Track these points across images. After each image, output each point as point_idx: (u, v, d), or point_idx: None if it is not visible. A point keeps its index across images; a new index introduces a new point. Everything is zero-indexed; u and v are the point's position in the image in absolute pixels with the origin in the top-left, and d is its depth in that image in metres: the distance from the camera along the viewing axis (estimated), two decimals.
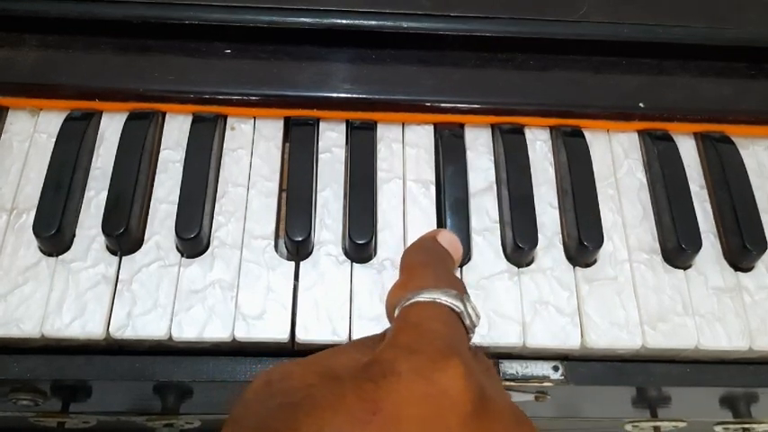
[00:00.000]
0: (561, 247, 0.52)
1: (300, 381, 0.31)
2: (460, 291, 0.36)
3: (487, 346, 0.48)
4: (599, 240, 0.51)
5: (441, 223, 0.52)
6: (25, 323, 0.46)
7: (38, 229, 0.48)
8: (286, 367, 0.32)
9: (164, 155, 0.53)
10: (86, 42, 0.55)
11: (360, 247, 0.49)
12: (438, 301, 0.35)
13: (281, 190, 0.53)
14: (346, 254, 0.50)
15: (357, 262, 0.50)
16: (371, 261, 0.50)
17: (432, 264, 0.40)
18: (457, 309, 0.35)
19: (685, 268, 0.52)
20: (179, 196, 0.50)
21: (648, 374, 0.50)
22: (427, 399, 0.29)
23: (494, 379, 0.39)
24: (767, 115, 0.57)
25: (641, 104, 0.56)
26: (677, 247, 0.51)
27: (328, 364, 0.32)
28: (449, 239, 0.43)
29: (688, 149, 0.57)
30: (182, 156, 0.53)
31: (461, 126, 0.56)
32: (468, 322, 0.35)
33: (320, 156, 0.54)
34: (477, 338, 0.47)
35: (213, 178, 0.52)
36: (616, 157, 0.56)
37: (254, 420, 0.30)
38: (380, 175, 0.53)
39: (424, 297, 0.35)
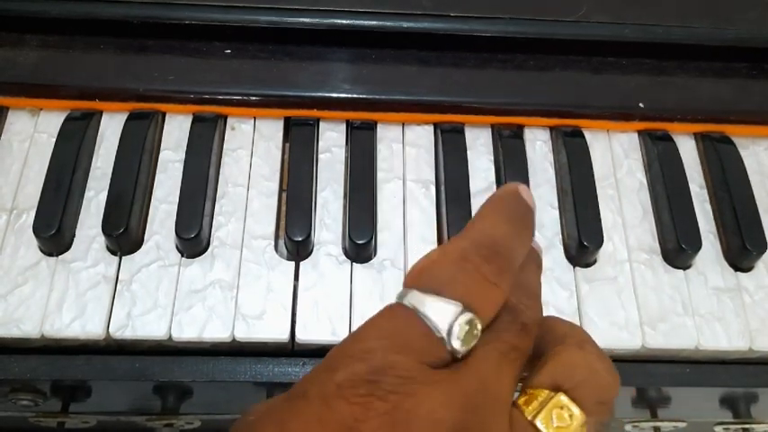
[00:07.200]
0: (561, 247, 0.52)
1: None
2: (477, 305, 0.30)
3: None
4: (599, 240, 0.51)
5: (440, 223, 0.52)
6: (25, 323, 0.46)
7: (38, 228, 0.48)
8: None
9: (164, 155, 0.53)
10: (86, 42, 0.55)
11: (360, 248, 0.49)
12: (419, 313, 0.29)
13: (281, 190, 0.53)
14: (346, 254, 0.50)
15: (357, 262, 0.50)
16: (371, 261, 0.50)
17: (492, 245, 0.32)
18: (437, 333, 0.29)
19: (685, 268, 0.52)
20: (179, 196, 0.50)
21: (648, 375, 0.50)
22: (326, 426, 0.26)
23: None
24: (767, 115, 0.57)
25: (641, 104, 0.56)
26: (677, 247, 0.51)
27: (301, 382, 0.30)
28: (528, 194, 0.35)
29: (688, 150, 0.57)
30: (182, 156, 0.52)
31: (462, 126, 0.56)
32: (448, 348, 0.29)
33: (320, 156, 0.54)
34: None
35: (213, 178, 0.52)
36: (616, 157, 0.56)
37: None
38: (380, 175, 0.53)
39: (410, 302, 0.30)
